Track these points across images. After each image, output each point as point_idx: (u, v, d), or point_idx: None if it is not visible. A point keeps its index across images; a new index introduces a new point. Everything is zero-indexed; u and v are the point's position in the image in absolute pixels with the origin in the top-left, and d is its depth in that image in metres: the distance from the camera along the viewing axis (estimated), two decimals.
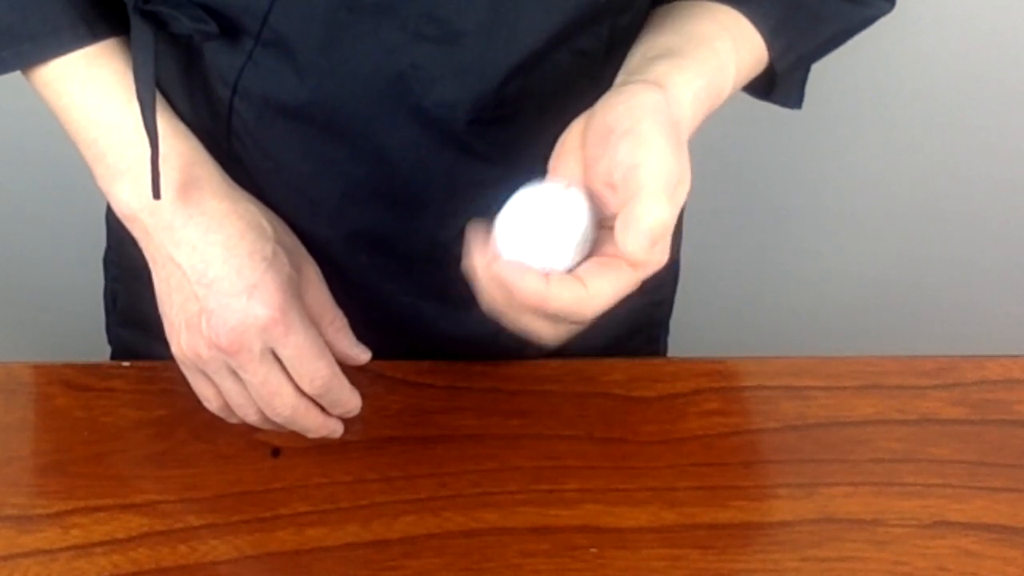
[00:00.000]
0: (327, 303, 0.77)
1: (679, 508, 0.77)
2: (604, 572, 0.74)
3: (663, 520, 0.77)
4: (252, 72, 0.73)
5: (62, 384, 0.83)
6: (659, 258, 0.64)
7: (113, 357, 0.97)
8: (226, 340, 0.71)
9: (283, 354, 0.73)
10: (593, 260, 0.64)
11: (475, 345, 0.85)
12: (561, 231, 0.64)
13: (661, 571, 0.74)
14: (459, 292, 0.82)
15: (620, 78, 0.71)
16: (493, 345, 0.85)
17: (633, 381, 0.85)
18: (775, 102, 0.84)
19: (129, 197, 0.73)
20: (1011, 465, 0.81)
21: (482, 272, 0.65)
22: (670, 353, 1.02)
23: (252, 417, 0.75)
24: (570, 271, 0.64)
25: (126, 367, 0.84)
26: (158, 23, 0.72)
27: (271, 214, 0.76)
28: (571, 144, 0.67)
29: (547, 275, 0.63)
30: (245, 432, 0.78)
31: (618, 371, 0.85)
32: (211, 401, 0.76)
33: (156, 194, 0.71)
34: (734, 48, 0.75)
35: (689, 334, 1.06)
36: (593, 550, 0.75)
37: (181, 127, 0.75)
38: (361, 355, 0.78)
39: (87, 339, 1.00)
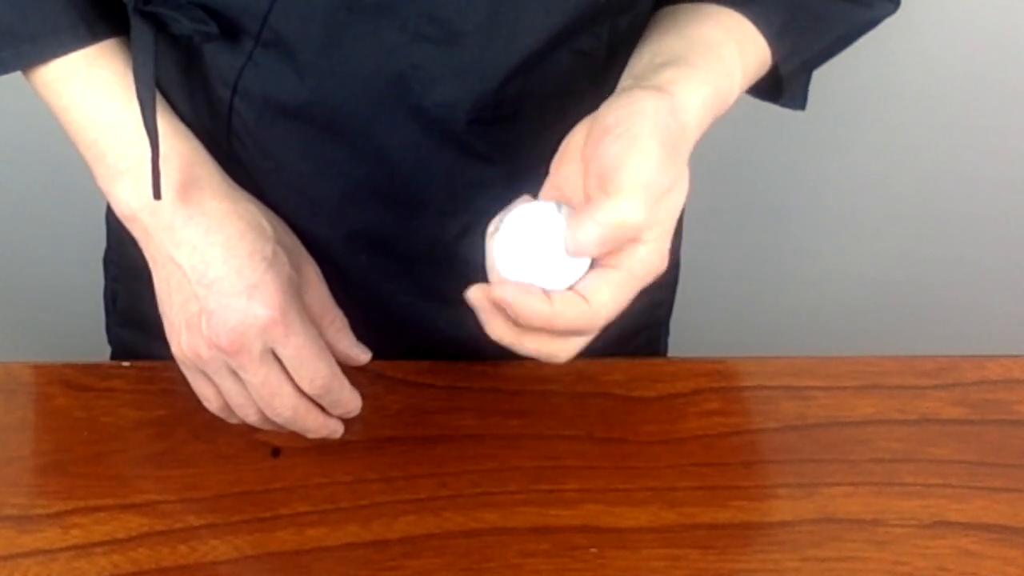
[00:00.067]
0: (327, 303, 0.77)
1: (679, 508, 0.77)
2: (604, 572, 0.74)
3: (663, 520, 0.77)
4: (252, 72, 0.73)
5: (62, 384, 0.83)
6: (659, 263, 0.64)
7: (113, 357, 0.97)
8: (226, 340, 0.71)
9: (283, 354, 0.73)
10: (592, 273, 0.64)
11: (475, 345, 0.85)
12: (557, 253, 0.63)
13: (661, 571, 0.74)
14: (459, 292, 0.82)
15: (627, 82, 0.71)
16: (493, 345, 0.85)
17: (633, 381, 0.85)
18: (779, 104, 0.84)
19: (129, 197, 0.73)
20: (1011, 465, 0.81)
21: (485, 301, 0.64)
22: (670, 353, 1.02)
23: (252, 417, 0.75)
24: (571, 287, 0.64)
25: (126, 367, 0.84)
26: (158, 24, 0.72)
27: (271, 214, 0.76)
28: (573, 148, 0.67)
29: (549, 295, 0.63)
30: (245, 432, 0.78)
31: (618, 371, 0.85)
32: (211, 401, 0.76)
33: (156, 194, 0.71)
34: (739, 53, 0.75)
35: (689, 334, 1.06)
36: (593, 550, 0.75)
37: (181, 127, 0.75)
38: (361, 355, 0.78)
39: (87, 339, 1.00)
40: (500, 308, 0.63)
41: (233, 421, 0.77)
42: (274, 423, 0.75)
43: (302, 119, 0.74)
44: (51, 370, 0.84)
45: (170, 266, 0.73)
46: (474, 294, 0.64)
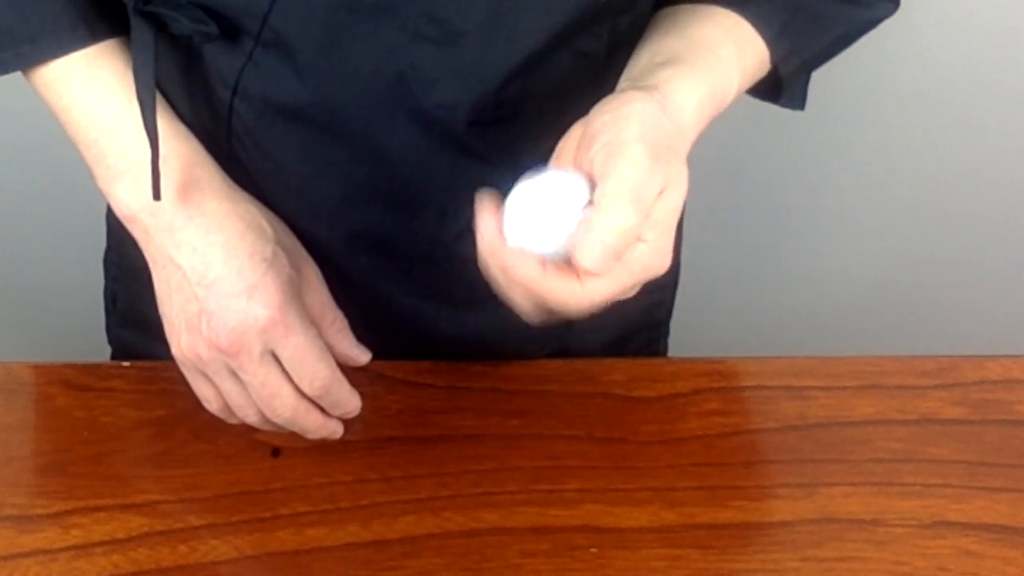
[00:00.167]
0: (327, 304, 0.77)
1: (679, 508, 0.77)
2: (604, 572, 0.74)
3: (663, 520, 0.77)
4: (252, 73, 0.73)
5: (62, 384, 0.83)
6: (659, 262, 0.64)
7: (113, 357, 0.97)
8: (226, 341, 0.71)
9: (283, 355, 0.73)
10: None
11: (475, 345, 0.85)
12: (563, 217, 0.63)
13: (661, 571, 0.74)
14: (459, 292, 0.82)
15: (623, 83, 0.71)
16: (493, 345, 0.85)
17: (633, 381, 0.85)
18: (779, 104, 0.84)
19: (129, 198, 0.73)
20: (1011, 465, 0.81)
21: (482, 246, 0.65)
22: (670, 353, 1.02)
23: (252, 418, 0.75)
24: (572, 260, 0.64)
25: (126, 367, 0.84)
26: (158, 24, 0.72)
27: (271, 215, 0.76)
28: (568, 150, 0.67)
29: (544, 263, 0.63)
30: (245, 432, 0.78)
31: (618, 371, 0.85)
32: (211, 402, 0.76)
33: (156, 195, 0.71)
34: (737, 53, 0.75)
35: (689, 334, 1.06)
36: (593, 550, 0.75)
37: (181, 128, 0.75)
38: (361, 356, 0.78)
39: (87, 339, 1.00)
40: (495, 260, 0.64)
41: (233, 422, 0.77)
42: (274, 424, 0.75)
43: (302, 120, 0.74)
44: (51, 370, 0.84)
45: (170, 267, 0.73)
46: (479, 234, 0.64)
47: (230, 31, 0.71)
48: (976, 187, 1.49)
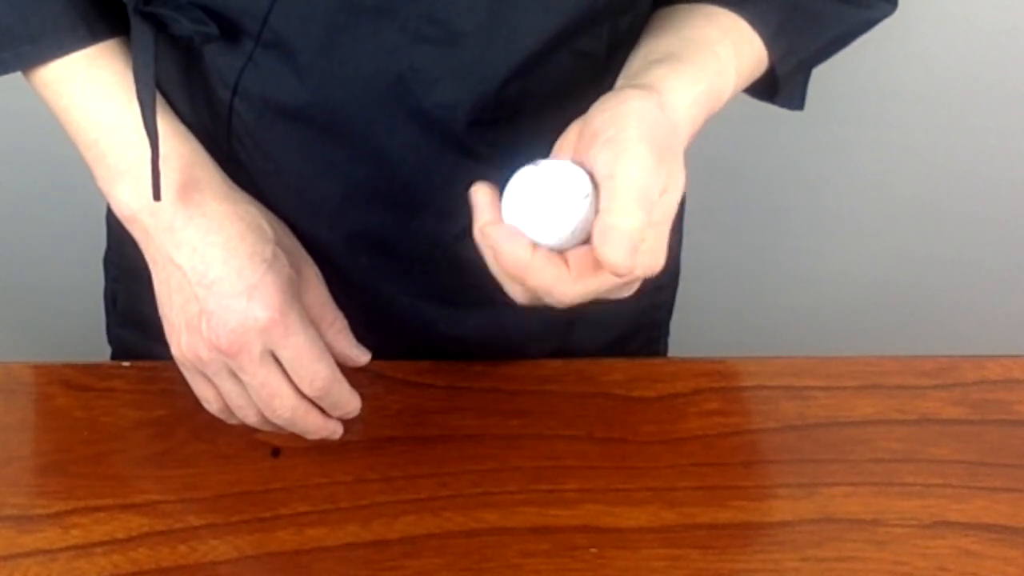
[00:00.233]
0: (327, 304, 0.77)
1: (679, 508, 0.77)
2: (604, 572, 0.74)
3: (663, 520, 0.77)
4: (252, 73, 0.73)
5: (62, 384, 0.83)
6: (654, 262, 0.64)
7: (113, 357, 0.97)
8: (226, 341, 0.71)
9: (283, 356, 0.73)
10: (589, 249, 0.63)
11: (475, 345, 0.85)
12: (560, 207, 0.63)
13: (661, 571, 0.74)
14: (459, 293, 0.82)
15: (620, 82, 0.71)
16: (493, 345, 0.85)
17: (633, 381, 0.85)
18: (777, 104, 0.84)
19: (129, 198, 0.73)
20: (1011, 465, 0.81)
21: (476, 221, 0.64)
22: (670, 353, 1.02)
23: (252, 418, 0.75)
24: (564, 250, 0.64)
25: (126, 367, 0.84)
26: (158, 24, 0.72)
27: (271, 216, 0.76)
28: (565, 149, 0.66)
29: (535, 248, 0.63)
30: (245, 432, 0.78)
31: (618, 371, 0.85)
32: (211, 402, 0.76)
33: (156, 195, 0.71)
34: (734, 52, 0.75)
35: (689, 334, 1.06)
36: (593, 550, 0.75)
37: (181, 128, 0.75)
38: (361, 356, 0.78)
39: (87, 339, 1.00)
40: (486, 240, 0.63)
41: (233, 422, 0.77)
42: (274, 424, 0.75)
43: (302, 120, 0.74)
44: (51, 370, 0.84)
45: (170, 267, 0.73)
46: (475, 214, 0.64)
47: (230, 31, 0.71)
48: (976, 187, 1.49)
